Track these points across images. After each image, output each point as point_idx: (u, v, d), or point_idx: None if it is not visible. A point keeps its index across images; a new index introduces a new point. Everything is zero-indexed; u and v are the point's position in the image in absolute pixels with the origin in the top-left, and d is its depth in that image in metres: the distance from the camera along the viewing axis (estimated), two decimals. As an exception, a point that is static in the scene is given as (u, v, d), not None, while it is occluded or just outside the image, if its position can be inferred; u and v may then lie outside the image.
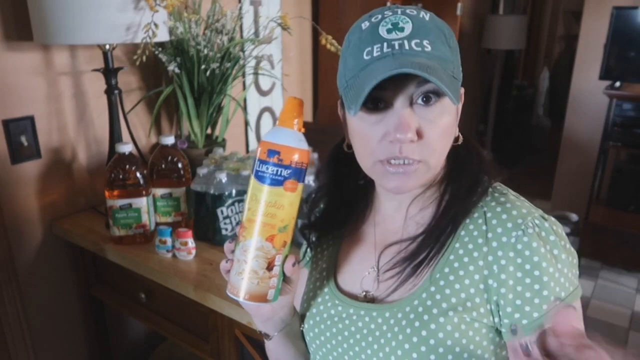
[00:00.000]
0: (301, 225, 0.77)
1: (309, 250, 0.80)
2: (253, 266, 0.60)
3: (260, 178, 0.59)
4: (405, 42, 0.56)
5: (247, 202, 0.61)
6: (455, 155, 0.66)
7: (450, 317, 0.59)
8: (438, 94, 0.57)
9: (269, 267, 0.60)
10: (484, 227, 0.61)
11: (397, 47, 0.56)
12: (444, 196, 0.65)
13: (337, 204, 0.75)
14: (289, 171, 0.58)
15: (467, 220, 0.63)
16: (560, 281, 0.58)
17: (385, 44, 0.56)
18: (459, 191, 0.64)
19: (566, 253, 0.60)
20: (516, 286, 0.58)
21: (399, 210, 0.69)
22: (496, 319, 0.60)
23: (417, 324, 0.60)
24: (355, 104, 0.56)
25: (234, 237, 0.63)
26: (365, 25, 0.59)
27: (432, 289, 0.61)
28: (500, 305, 0.59)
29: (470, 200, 0.63)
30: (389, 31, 0.56)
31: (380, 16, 0.58)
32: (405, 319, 0.62)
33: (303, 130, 0.61)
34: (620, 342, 2.31)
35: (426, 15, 0.58)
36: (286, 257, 0.62)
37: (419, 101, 0.57)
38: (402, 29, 0.56)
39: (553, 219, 0.62)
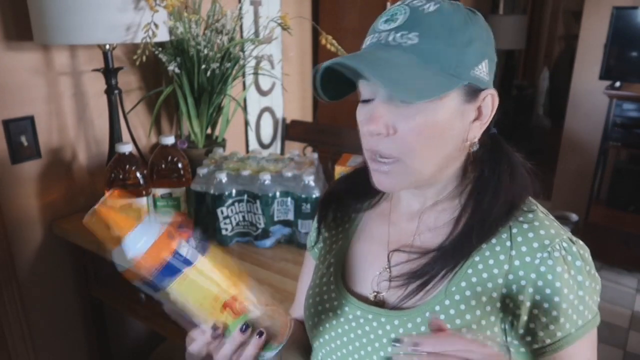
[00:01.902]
0: (324, 194, 0.77)
1: (317, 242, 0.78)
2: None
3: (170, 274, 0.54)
4: (392, 33, 0.55)
5: (209, 289, 0.56)
6: (481, 168, 0.62)
7: (463, 334, 0.56)
8: None
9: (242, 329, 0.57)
10: (507, 244, 0.58)
11: (382, 38, 0.55)
12: (464, 213, 0.61)
13: (363, 176, 0.70)
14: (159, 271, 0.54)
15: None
16: (579, 309, 0.57)
17: (376, 35, 0.56)
18: (477, 217, 0.59)
19: (590, 279, 0.58)
20: (532, 309, 0.56)
21: (416, 212, 0.66)
22: (508, 338, 0.58)
23: None
24: (317, 91, 0.59)
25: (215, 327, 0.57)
26: (380, 15, 0.59)
27: (447, 302, 0.59)
28: (514, 325, 0.57)
29: (490, 234, 0.59)
30: (386, 22, 0.56)
31: (391, 7, 0.58)
32: (416, 330, 0.59)
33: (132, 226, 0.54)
34: (620, 342, 2.31)
35: (434, 6, 0.55)
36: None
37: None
38: (395, 20, 0.55)
39: (581, 242, 0.60)
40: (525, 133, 4.81)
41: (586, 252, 0.59)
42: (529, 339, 0.57)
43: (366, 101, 0.59)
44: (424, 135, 0.55)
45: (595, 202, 2.90)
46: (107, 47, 1.31)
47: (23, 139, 1.36)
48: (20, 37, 1.31)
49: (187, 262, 0.54)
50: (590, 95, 3.02)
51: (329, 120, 2.32)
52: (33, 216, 1.43)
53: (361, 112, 0.59)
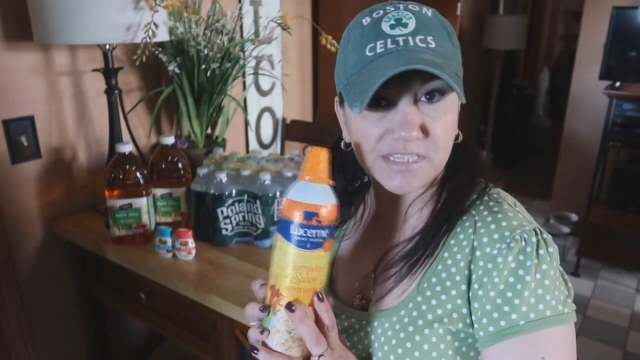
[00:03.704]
0: None
1: None
2: (298, 334, 0.55)
3: (297, 242, 0.53)
4: (410, 38, 0.54)
5: (281, 268, 0.54)
6: (454, 154, 0.64)
7: (435, 328, 0.58)
8: (442, 91, 0.56)
9: None
10: (472, 237, 0.59)
11: (401, 43, 0.54)
12: (442, 196, 0.64)
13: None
14: (327, 231, 0.54)
15: (458, 229, 0.61)
16: (530, 302, 0.54)
17: (389, 40, 0.55)
18: (456, 191, 0.63)
19: (553, 271, 0.56)
20: (482, 297, 0.56)
21: (398, 212, 0.67)
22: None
23: (402, 335, 0.60)
24: (361, 102, 0.54)
25: (265, 307, 0.56)
26: (366, 21, 0.57)
27: (419, 299, 0.60)
28: (477, 316, 0.57)
29: (465, 200, 0.62)
30: (392, 27, 0.55)
31: (382, 12, 0.57)
32: (392, 330, 0.61)
33: (332, 182, 0.55)
34: (620, 342, 2.31)
35: (428, 12, 0.57)
36: None
37: (423, 98, 0.56)
38: (405, 25, 0.55)
39: (547, 235, 0.58)
40: (525, 133, 4.81)
41: (550, 247, 0.57)
42: (476, 326, 0.57)
43: (375, 107, 0.57)
44: (449, 133, 0.59)
45: (595, 202, 2.90)
46: (107, 47, 1.31)
47: (23, 139, 1.36)
48: (20, 37, 1.31)
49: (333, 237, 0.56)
50: (590, 95, 3.03)
51: (329, 120, 2.32)
52: (33, 216, 1.43)
53: (372, 121, 0.58)
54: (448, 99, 0.58)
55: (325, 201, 0.53)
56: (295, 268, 0.54)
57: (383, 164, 0.59)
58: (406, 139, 0.55)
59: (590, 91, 3.02)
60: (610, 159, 2.97)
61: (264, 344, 0.56)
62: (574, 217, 3.18)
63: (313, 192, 0.54)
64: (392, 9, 0.57)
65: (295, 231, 0.53)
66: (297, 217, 0.53)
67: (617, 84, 2.74)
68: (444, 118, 0.57)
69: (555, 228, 3.08)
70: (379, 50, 0.55)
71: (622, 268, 2.86)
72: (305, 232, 0.53)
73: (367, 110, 0.57)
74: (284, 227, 0.54)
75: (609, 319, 2.46)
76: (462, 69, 0.59)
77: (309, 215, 0.53)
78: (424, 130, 0.56)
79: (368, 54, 0.56)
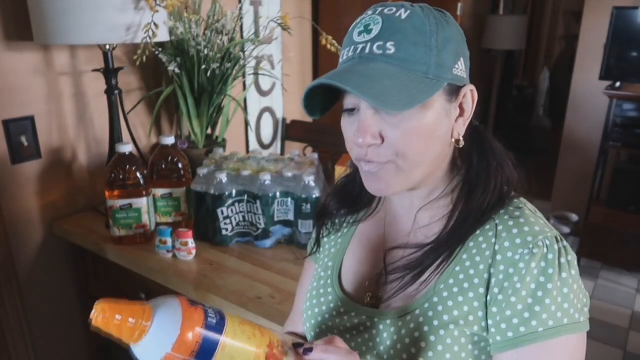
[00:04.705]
0: (318, 209, 0.78)
1: (316, 249, 0.79)
2: None
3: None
4: (368, 45, 0.56)
5: None
6: (469, 162, 0.63)
7: (450, 330, 0.58)
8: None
9: None
10: (492, 240, 0.59)
11: (358, 50, 0.56)
12: (456, 209, 0.62)
13: (356, 185, 0.74)
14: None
15: (478, 232, 0.60)
16: (551, 309, 0.55)
17: (352, 47, 0.58)
18: (472, 207, 0.61)
19: (572, 279, 0.57)
20: (502, 302, 0.56)
21: (410, 212, 0.67)
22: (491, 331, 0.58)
23: (416, 334, 0.59)
24: (303, 104, 0.59)
25: None
26: (353, 25, 0.60)
27: (435, 299, 0.60)
28: (495, 320, 0.57)
29: (484, 220, 0.60)
30: (359, 33, 0.57)
31: (362, 16, 0.59)
32: (405, 328, 0.60)
33: (142, 330, 0.45)
34: (621, 342, 2.31)
35: (405, 13, 0.55)
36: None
37: None
38: (370, 31, 0.56)
39: (566, 242, 0.59)
40: (525, 133, 4.81)
41: (569, 255, 0.58)
42: (493, 330, 0.57)
43: (350, 110, 0.60)
44: (413, 139, 0.57)
45: (595, 202, 2.90)
46: (107, 47, 1.31)
47: (23, 139, 1.36)
48: (20, 37, 1.31)
49: (219, 331, 0.48)
50: (590, 95, 3.02)
51: (329, 120, 2.31)
52: (33, 216, 1.43)
53: (347, 124, 0.61)
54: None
55: (167, 341, 0.45)
56: None
57: (359, 164, 0.61)
58: (359, 144, 0.57)
59: (590, 91, 3.02)
60: (610, 159, 2.97)
61: None
62: (574, 217, 3.18)
63: (148, 348, 0.46)
64: (370, 12, 0.58)
65: None
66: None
67: (617, 84, 2.74)
68: (404, 124, 0.56)
69: (555, 228, 3.06)
70: (344, 57, 0.59)
71: (622, 268, 2.86)
72: None
73: (346, 115, 0.61)
74: (203, 356, 0.47)
75: (609, 319, 2.46)
76: (445, 67, 0.56)
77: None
78: (382, 137, 0.57)
79: (340, 60, 0.60)
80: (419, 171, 0.59)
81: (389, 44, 0.55)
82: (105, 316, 0.44)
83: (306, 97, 0.59)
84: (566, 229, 3.10)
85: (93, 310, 0.44)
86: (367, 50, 0.55)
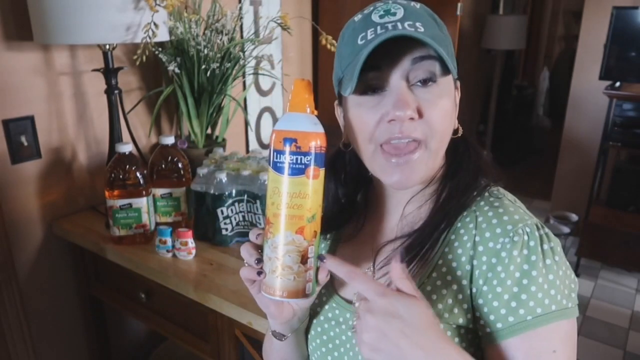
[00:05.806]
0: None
1: None
2: (286, 262, 0.56)
3: (279, 169, 0.54)
4: (399, 23, 0.56)
5: (269, 196, 0.56)
6: (454, 151, 0.65)
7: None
8: (435, 76, 0.57)
9: (303, 261, 0.56)
10: (473, 232, 0.59)
11: (390, 27, 0.56)
12: (442, 194, 0.64)
13: (336, 207, 0.74)
14: (309, 158, 0.54)
15: (459, 224, 0.61)
16: (538, 296, 0.54)
17: (379, 27, 0.56)
18: (456, 189, 0.62)
19: (557, 266, 0.56)
20: (488, 293, 0.56)
21: (397, 208, 0.68)
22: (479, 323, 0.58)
23: None
24: (352, 79, 0.55)
25: (260, 232, 0.60)
26: (357, 17, 0.60)
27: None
28: (483, 312, 0.57)
29: (466, 198, 0.61)
30: (381, 17, 0.57)
31: (372, 7, 0.59)
32: None
33: (316, 112, 0.57)
34: (621, 342, 2.31)
35: (417, 5, 0.59)
36: (318, 247, 0.59)
37: (417, 83, 0.57)
38: (394, 14, 0.57)
39: (547, 229, 0.59)
40: (525, 133, 4.81)
41: (552, 241, 0.57)
42: (481, 322, 0.57)
43: (373, 90, 0.58)
44: (445, 119, 0.58)
45: (595, 202, 2.90)
46: (107, 47, 1.31)
47: (23, 139, 1.36)
48: (20, 37, 1.31)
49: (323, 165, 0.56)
50: (590, 95, 3.03)
51: (329, 121, 2.31)
52: (33, 216, 1.43)
53: (367, 107, 0.58)
54: (443, 83, 0.58)
55: (305, 128, 0.54)
56: (279, 195, 0.55)
57: (382, 158, 0.59)
58: (400, 118, 0.55)
59: (590, 91, 3.02)
60: (610, 159, 2.97)
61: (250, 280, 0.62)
62: (574, 217, 3.18)
63: (293, 121, 0.55)
64: (382, 3, 0.59)
65: (275, 157, 0.55)
66: (277, 144, 0.54)
67: (617, 84, 2.74)
68: (438, 102, 0.57)
69: (555, 228, 3.08)
70: (369, 37, 0.56)
71: (622, 268, 2.86)
72: (285, 157, 0.54)
73: (362, 98, 0.59)
74: (270, 156, 0.56)
75: (609, 319, 2.46)
76: (454, 58, 0.60)
77: (288, 141, 0.54)
78: (419, 112, 0.56)
79: (360, 42, 0.57)
80: (439, 156, 0.61)
81: (418, 24, 0.56)
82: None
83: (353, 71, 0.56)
84: (566, 229, 3.10)
85: None
86: (399, 27, 0.55)
